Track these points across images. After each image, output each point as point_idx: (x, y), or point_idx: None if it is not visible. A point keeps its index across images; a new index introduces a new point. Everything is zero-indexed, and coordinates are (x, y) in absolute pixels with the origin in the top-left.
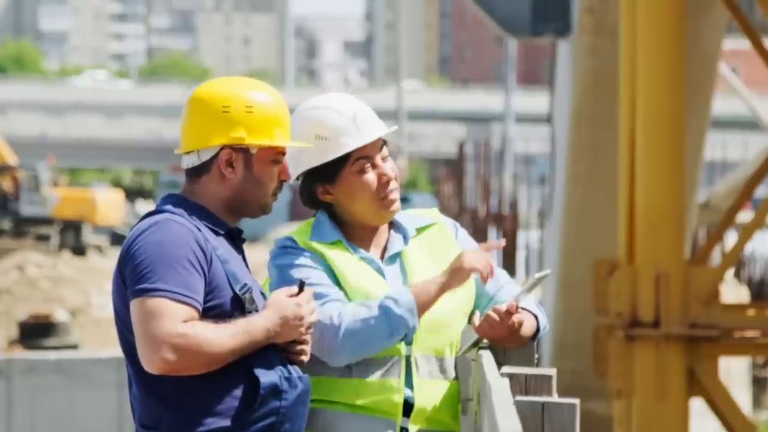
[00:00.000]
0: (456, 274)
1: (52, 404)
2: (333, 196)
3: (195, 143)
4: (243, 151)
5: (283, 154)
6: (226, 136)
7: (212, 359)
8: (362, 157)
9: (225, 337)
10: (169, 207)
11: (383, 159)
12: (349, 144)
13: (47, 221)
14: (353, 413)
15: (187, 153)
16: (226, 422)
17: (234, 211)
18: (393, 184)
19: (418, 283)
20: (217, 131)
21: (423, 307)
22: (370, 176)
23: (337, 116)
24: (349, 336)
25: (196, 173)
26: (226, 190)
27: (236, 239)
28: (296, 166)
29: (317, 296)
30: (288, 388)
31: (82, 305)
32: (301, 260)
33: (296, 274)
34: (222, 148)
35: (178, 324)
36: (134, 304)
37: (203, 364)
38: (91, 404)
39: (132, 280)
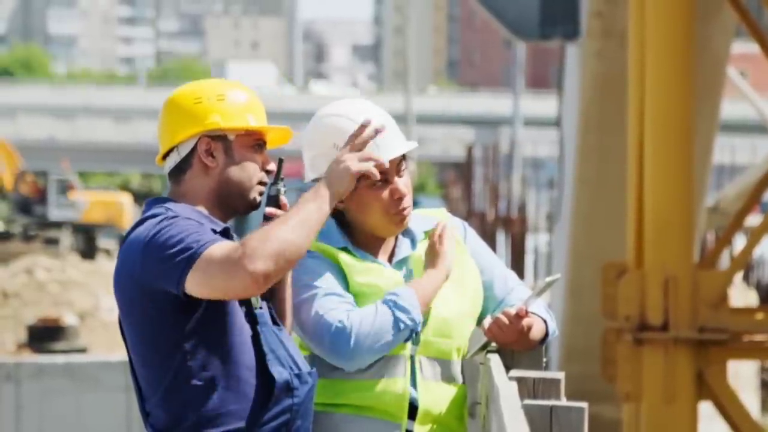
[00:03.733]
0: (444, 257)
1: (60, 407)
2: (344, 204)
3: (172, 139)
4: (221, 139)
5: (263, 142)
6: (201, 124)
7: (286, 239)
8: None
9: (282, 220)
10: (161, 211)
11: (399, 174)
12: None
13: (78, 226)
14: (359, 416)
15: (167, 157)
16: (241, 423)
17: (222, 204)
18: (406, 201)
19: (415, 280)
20: (191, 122)
21: (425, 299)
22: (383, 192)
23: (352, 126)
24: (360, 338)
25: (179, 171)
26: (211, 182)
27: (229, 238)
28: (310, 170)
29: (327, 295)
30: (299, 384)
31: (91, 309)
32: (312, 264)
33: (306, 278)
34: (199, 139)
35: (232, 246)
36: (193, 276)
37: (285, 247)
38: (99, 407)
39: (172, 264)
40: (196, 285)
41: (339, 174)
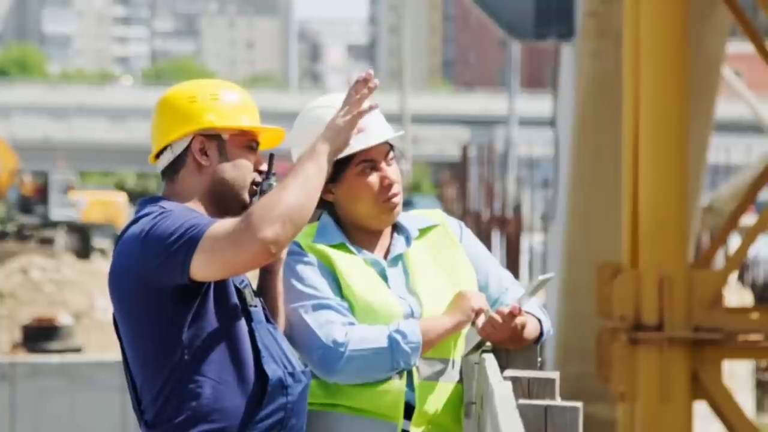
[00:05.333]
0: (466, 315)
1: (55, 407)
2: (335, 195)
3: (166, 138)
4: (215, 138)
5: (256, 143)
6: (196, 123)
7: (290, 201)
8: (366, 159)
9: (282, 185)
10: (155, 209)
11: (388, 163)
12: (354, 146)
13: (73, 226)
14: (355, 416)
15: (160, 156)
16: (235, 420)
17: (215, 203)
18: (395, 188)
19: (429, 318)
20: (186, 121)
21: (429, 345)
22: (372, 178)
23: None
24: (351, 362)
25: (172, 170)
26: (205, 180)
27: None
28: None
29: (322, 307)
30: (293, 383)
31: (86, 308)
32: (305, 270)
33: (299, 285)
34: (194, 137)
35: (235, 219)
36: (199, 258)
37: (290, 209)
38: (94, 407)
39: (174, 252)
40: (203, 265)
41: (334, 127)
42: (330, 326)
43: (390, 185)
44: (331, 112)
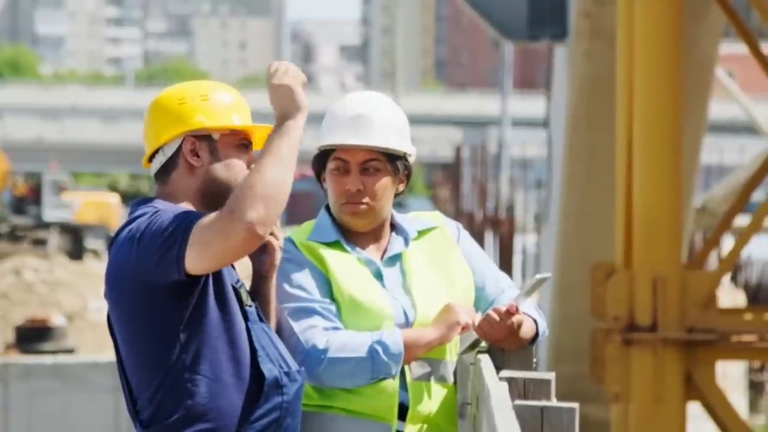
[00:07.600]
0: (452, 329)
1: (48, 408)
2: (325, 184)
3: (157, 140)
4: (206, 138)
5: (249, 142)
6: (186, 124)
7: (265, 180)
8: (339, 158)
9: (257, 167)
10: (149, 210)
11: (362, 170)
12: (324, 140)
13: (65, 227)
14: (349, 417)
15: (153, 159)
16: (232, 419)
17: (208, 204)
18: (359, 196)
19: (414, 330)
20: (176, 122)
21: (411, 356)
22: (338, 179)
23: (339, 110)
24: (330, 368)
25: (165, 172)
26: (197, 181)
27: None
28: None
29: (306, 312)
30: (288, 382)
31: (79, 309)
32: (295, 270)
33: (287, 286)
34: (184, 138)
35: (218, 211)
36: (191, 251)
37: (268, 187)
38: (87, 408)
39: (168, 247)
40: (196, 258)
41: (277, 93)
42: (311, 331)
43: (348, 191)
44: (336, 104)
